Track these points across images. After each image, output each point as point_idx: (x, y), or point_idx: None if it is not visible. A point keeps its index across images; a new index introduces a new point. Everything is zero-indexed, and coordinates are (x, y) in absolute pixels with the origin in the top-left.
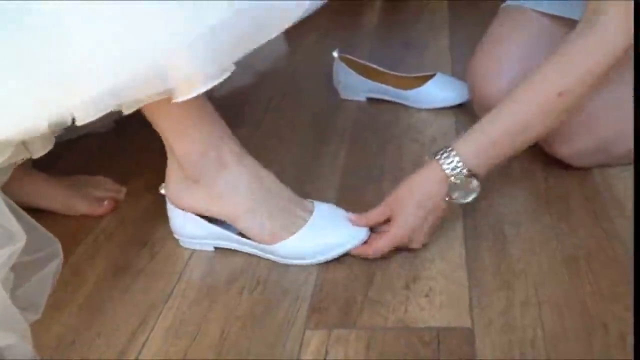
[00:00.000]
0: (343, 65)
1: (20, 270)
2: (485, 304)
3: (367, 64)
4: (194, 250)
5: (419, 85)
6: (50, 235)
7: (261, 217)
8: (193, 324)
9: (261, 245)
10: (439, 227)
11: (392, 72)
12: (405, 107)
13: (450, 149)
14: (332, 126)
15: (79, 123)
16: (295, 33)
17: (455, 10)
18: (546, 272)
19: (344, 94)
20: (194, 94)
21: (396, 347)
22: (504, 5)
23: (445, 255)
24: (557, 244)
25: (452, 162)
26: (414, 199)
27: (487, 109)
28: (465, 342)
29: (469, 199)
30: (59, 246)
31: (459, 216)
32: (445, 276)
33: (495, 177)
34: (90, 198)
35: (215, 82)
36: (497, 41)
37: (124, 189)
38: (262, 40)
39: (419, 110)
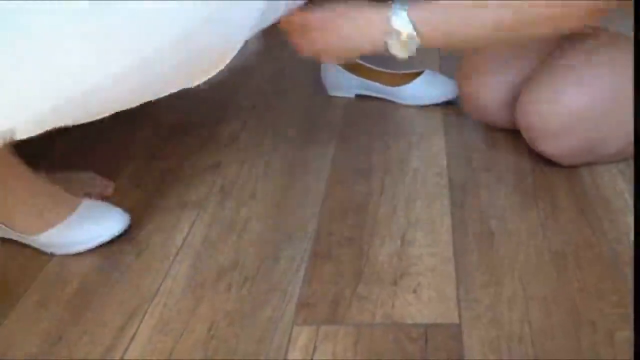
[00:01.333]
0: (332, 64)
1: None
2: (473, 299)
3: (356, 60)
4: (181, 247)
5: (407, 82)
6: None
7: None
8: (180, 321)
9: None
10: (427, 222)
11: (380, 69)
12: (394, 104)
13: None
14: (321, 122)
15: (18, 137)
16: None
17: None
18: (534, 268)
19: (332, 91)
20: None
21: (384, 344)
22: None
23: (433, 250)
24: (544, 240)
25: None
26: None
27: (476, 107)
28: (452, 338)
29: (399, 53)
30: None
31: (447, 211)
32: (433, 272)
33: (483, 173)
34: (77, 193)
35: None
36: None
37: (112, 184)
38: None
39: (407, 107)
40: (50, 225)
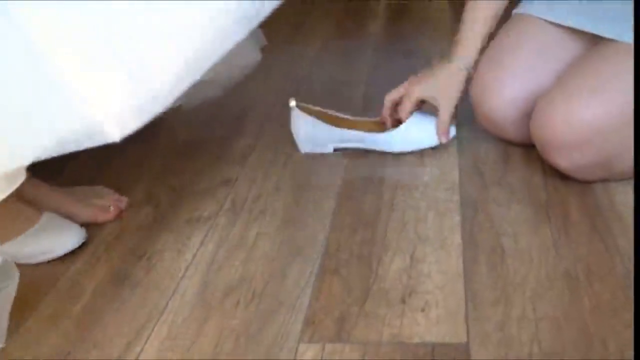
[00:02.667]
0: (302, 114)
1: None
2: (482, 318)
3: (328, 111)
4: (190, 263)
5: (381, 130)
6: (7, 262)
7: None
8: (187, 338)
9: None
10: (437, 238)
11: (355, 118)
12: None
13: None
14: None
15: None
16: (298, 40)
17: (459, 19)
18: (545, 286)
19: (305, 147)
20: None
21: None
22: (514, 11)
23: (442, 268)
24: (556, 257)
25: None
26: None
27: (490, 121)
28: (460, 357)
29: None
30: (15, 271)
31: (457, 228)
32: (442, 290)
33: (495, 188)
34: (93, 206)
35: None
36: (502, 52)
37: (125, 199)
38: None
39: None
40: (8, 238)
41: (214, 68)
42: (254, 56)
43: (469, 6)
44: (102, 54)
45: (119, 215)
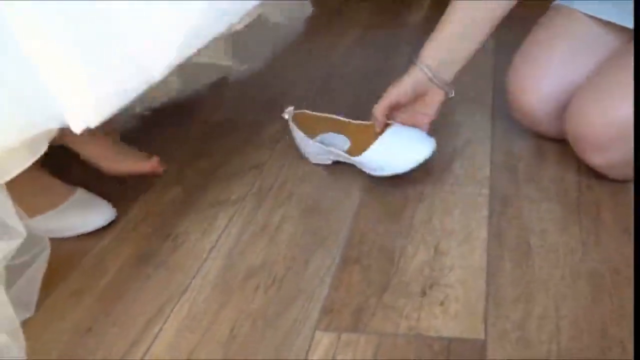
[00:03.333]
0: (295, 128)
1: (11, 270)
2: (502, 315)
3: (327, 115)
4: (214, 245)
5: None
6: (39, 235)
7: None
8: (205, 319)
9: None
10: (462, 232)
11: (362, 122)
12: (440, 108)
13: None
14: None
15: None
16: (335, 30)
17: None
18: (568, 286)
19: (312, 159)
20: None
21: (405, 355)
22: (553, 4)
23: (465, 262)
24: (583, 257)
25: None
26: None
27: (526, 116)
28: (476, 354)
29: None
30: (46, 242)
31: (484, 223)
32: (463, 284)
33: (526, 184)
34: (138, 155)
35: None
36: (538, 45)
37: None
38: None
39: (455, 111)
40: (39, 212)
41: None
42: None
43: (449, 6)
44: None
45: (158, 172)
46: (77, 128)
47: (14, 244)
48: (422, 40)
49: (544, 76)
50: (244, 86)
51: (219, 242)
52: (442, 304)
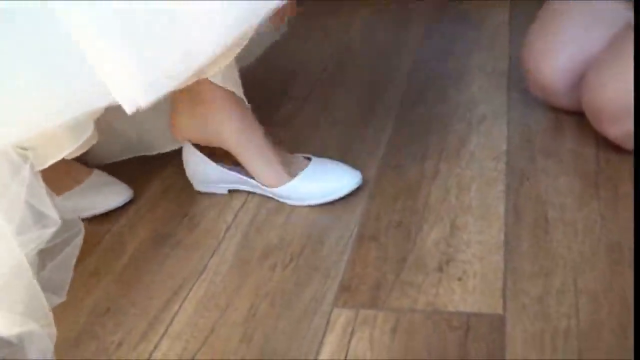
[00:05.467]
0: (193, 150)
1: (43, 254)
2: (520, 290)
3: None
4: (231, 224)
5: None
6: (74, 218)
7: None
8: (224, 298)
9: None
10: (479, 208)
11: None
12: (454, 84)
13: None
14: (378, 105)
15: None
16: (348, 7)
17: None
18: (587, 260)
19: (197, 186)
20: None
21: (423, 331)
22: None
23: (483, 237)
24: (601, 231)
25: None
26: None
27: (543, 89)
28: (494, 329)
29: None
30: (81, 225)
31: (501, 197)
32: (481, 259)
33: (543, 158)
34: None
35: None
36: (553, 18)
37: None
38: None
39: (471, 86)
40: (57, 193)
41: None
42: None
43: None
44: (117, 29)
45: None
46: (129, 108)
47: (48, 232)
48: (435, 16)
49: (560, 48)
50: (256, 65)
51: (235, 222)
52: (460, 279)
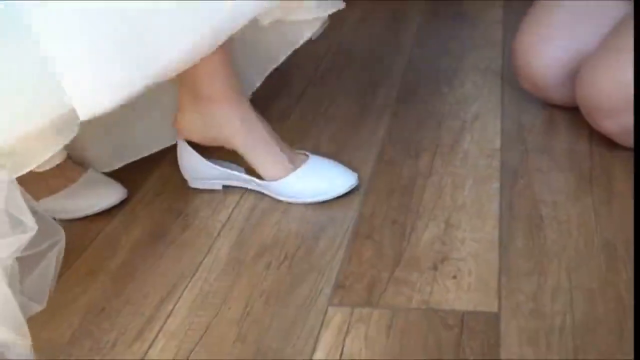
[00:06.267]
0: (186, 147)
1: (24, 261)
2: (515, 288)
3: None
4: (225, 223)
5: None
6: (54, 223)
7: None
8: (218, 297)
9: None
10: (474, 206)
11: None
12: (448, 81)
13: None
14: (373, 101)
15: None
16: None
17: None
18: (581, 257)
19: (192, 183)
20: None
21: (418, 329)
22: None
23: (477, 235)
24: (596, 228)
25: None
26: None
27: (534, 82)
28: (489, 326)
29: None
30: (62, 233)
31: (495, 195)
32: (476, 257)
33: (537, 155)
34: None
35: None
36: (544, 10)
37: None
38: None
39: (465, 84)
40: (48, 193)
41: None
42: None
43: None
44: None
45: None
46: (83, 115)
47: (25, 238)
48: (429, 14)
49: (551, 41)
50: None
51: (230, 220)
52: (454, 277)
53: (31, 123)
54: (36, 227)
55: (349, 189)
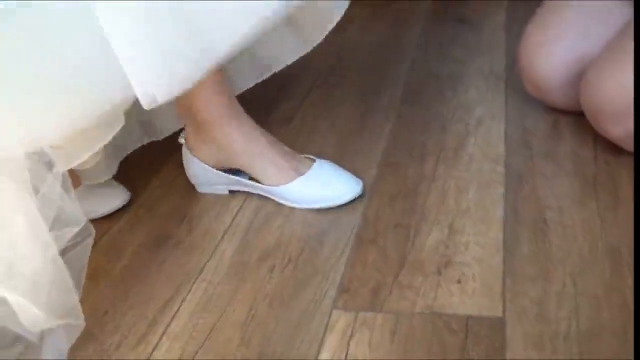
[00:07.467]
0: (190, 155)
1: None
2: (519, 293)
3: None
4: (229, 226)
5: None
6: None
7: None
8: (222, 300)
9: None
10: (478, 210)
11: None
12: (452, 85)
13: None
14: (377, 104)
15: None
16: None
17: None
18: (586, 262)
19: (200, 188)
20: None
21: (422, 333)
22: None
23: (481, 240)
24: (601, 233)
25: None
26: None
27: (538, 86)
28: (494, 331)
29: None
30: (91, 229)
31: (500, 201)
32: (480, 262)
33: (542, 160)
34: None
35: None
36: (550, 14)
37: None
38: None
39: (468, 88)
40: None
41: None
42: None
43: None
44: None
45: None
46: (146, 104)
47: (74, 230)
48: (432, 17)
49: (555, 44)
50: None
51: (234, 223)
52: (458, 281)
53: (94, 114)
54: (84, 219)
55: (353, 199)
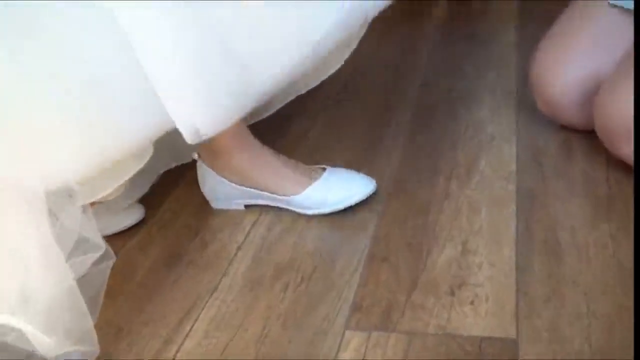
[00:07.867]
0: (206, 168)
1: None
2: (533, 314)
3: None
4: (242, 244)
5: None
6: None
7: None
8: (236, 319)
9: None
10: (490, 230)
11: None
12: (463, 103)
13: None
14: (390, 123)
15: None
16: None
17: (525, 3)
18: (599, 284)
19: (214, 204)
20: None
21: (435, 354)
22: None
23: (494, 260)
24: (614, 254)
25: None
26: None
27: (551, 105)
28: (508, 353)
29: None
30: (111, 253)
31: (512, 219)
32: (493, 283)
33: (554, 180)
34: None
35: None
36: (563, 34)
37: None
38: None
39: (480, 106)
40: None
41: None
42: None
43: None
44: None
45: None
46: (190, 139)
47: (94, 257)
48: (443, 36)
49: (568, 63)
50: None
51: (247, 241)
52: (472, 302)
53: (129, 151)
54: (104, 247)
55: (369, 194)
